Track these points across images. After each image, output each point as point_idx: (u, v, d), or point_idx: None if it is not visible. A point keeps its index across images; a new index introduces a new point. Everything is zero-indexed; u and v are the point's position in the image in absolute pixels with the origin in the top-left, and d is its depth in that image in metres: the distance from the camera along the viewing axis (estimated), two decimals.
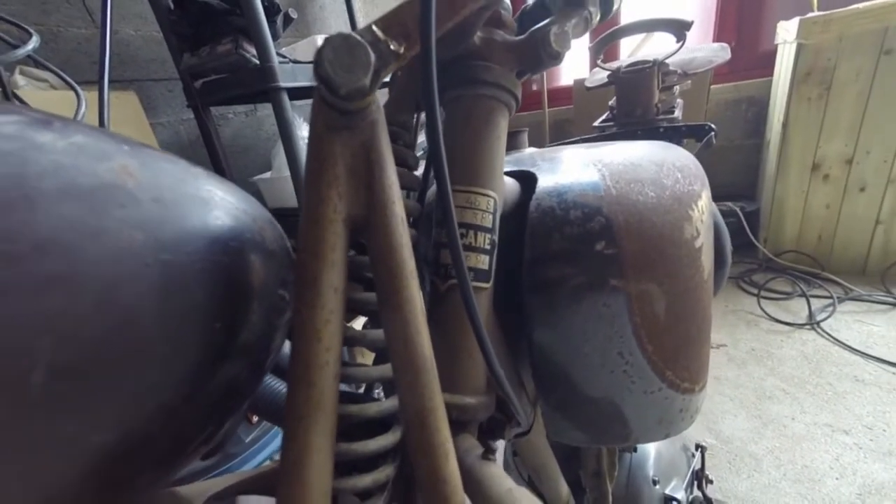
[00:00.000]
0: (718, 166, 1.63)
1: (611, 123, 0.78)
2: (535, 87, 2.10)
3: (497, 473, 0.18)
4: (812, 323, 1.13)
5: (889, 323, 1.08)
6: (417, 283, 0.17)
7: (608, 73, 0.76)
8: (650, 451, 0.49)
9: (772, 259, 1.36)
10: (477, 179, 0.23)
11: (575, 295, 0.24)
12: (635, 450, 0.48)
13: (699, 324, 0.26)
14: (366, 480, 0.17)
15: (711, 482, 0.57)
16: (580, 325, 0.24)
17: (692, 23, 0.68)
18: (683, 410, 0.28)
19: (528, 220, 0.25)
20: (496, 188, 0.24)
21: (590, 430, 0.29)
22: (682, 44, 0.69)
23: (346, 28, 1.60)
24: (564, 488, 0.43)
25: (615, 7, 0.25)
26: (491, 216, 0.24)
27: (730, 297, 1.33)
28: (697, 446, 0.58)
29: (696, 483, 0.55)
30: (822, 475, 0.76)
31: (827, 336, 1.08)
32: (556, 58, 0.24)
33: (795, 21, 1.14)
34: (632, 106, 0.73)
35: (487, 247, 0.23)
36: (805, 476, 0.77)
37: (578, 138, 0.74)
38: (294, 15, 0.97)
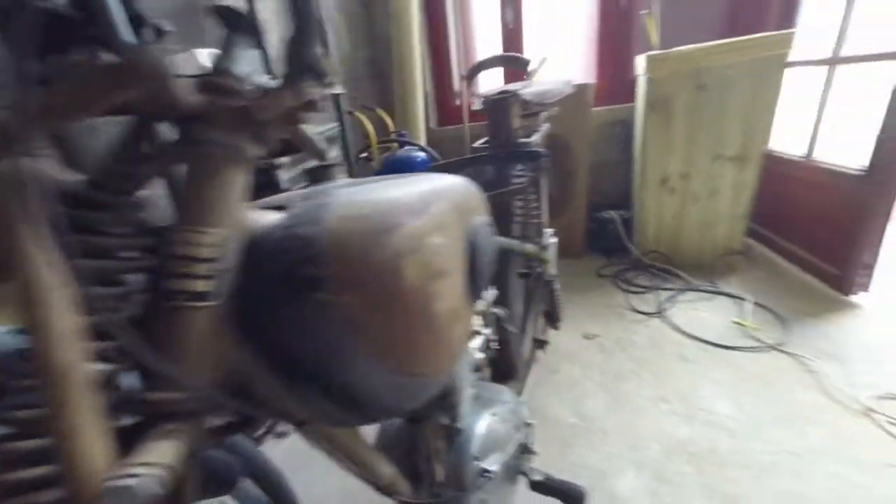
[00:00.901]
0: (604, 179, 1.87)
1: (487, 145, 0.88)
2: (458, 102, 2.21)
3: (159, 447, 0.22)
4: (660, 312, 1.35)
5: (712, 309, 1.35)
6: (62, 302, 0.20)
7: (482, 100, 0.85)
8: (475, 432, 0.57)
9: (639, 259, 1.61)
10: (198, 220, 0.27)
11: (298, 307, 0.29)
12: (460, 432, 0.55)
13: (413, 323, 0.32)
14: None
15: (535, 454, 0.67)
16: (309, 331, 0.29)
17: (529, 61, 0.79)
18: (419, 391, 0.35)
19: (265, 246, 0.30)
20: (226, 225, 0.28)
21: (354, 413, 0.34)
22: (527, 78, 0.79)
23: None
24: (387, 470, 0.47)
25: (332, 84, 0.31)
26: (215, 249, 0.27)
27: (608, 294, 1.53)
28: (527, 424, 0.67)
29: (522, 455, 0.65)
30: (647, 440, 0.93)
31: (669, 322, 1.31)
32: (263, 125, 0.29)
33: (644, 57, 1.36)
34: (498, 130, 0.82)
35: (206, 273, 0.27)
36: (638, 443, 0.93)
37: (444, 161, 0.82)
38: (168, 28, 0.91)
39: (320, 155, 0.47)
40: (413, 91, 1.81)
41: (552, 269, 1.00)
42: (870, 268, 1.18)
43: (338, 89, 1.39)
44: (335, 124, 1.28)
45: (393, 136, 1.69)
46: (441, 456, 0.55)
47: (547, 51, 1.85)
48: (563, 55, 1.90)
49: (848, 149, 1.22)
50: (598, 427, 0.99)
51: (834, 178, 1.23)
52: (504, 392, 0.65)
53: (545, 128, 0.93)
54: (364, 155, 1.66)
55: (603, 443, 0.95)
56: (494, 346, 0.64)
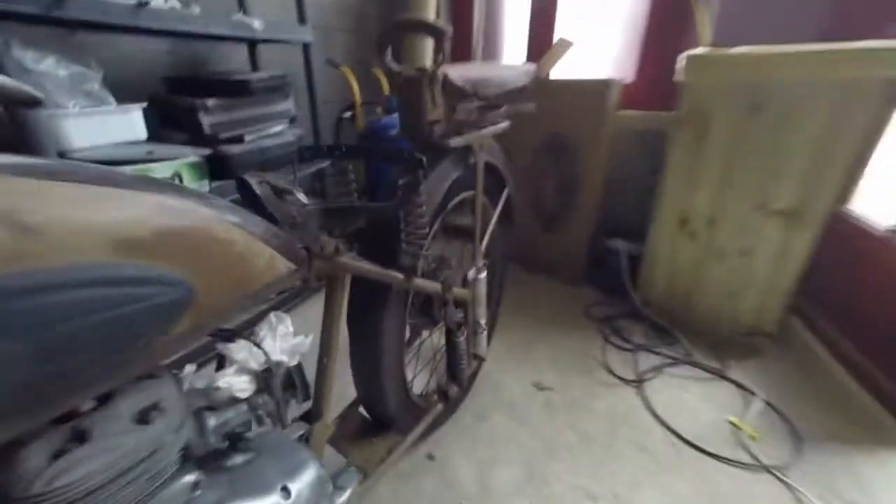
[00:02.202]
0: (622, 199, 1.56)
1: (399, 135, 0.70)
2: None
3: None
4: (637, 381, 1.09)
5: (702, 393, 1.05)
6: None
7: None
8: None
9: (638, 308, 1.31)
10: None
11: None
12: None
13: None
14: None
15: None
16: None
17: (445, 31, 0.58)
18: None
19: None
20: None
21: None
22: (442, 55, 0.58)
23: None
24: None
25: None
26: None
27: (587, 341, 1.28)
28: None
29: None
30: None
31: (644, 397, 1.04)
32: None
33: (684, 56, 1.03)
34: (407, 119, 0.62)
35: None
36: None
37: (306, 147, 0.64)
38: None
39: (24, 99, 0.34)
40: (420, 55, 1.64)
41: (478, 312, 0.83)
42: None
43: (306, 37, 1.21)
44: (281, 73, 1.13)
45: (380, 100, 1.55)
46: None
47: (580, 34, 1.55)
48: (599, 42, 1.57)
49: None
50: None
51: None
52: (303, 468, 0.43)
53: (496, 128, 0.72)
54: (349, 115, 1.55)
55: None
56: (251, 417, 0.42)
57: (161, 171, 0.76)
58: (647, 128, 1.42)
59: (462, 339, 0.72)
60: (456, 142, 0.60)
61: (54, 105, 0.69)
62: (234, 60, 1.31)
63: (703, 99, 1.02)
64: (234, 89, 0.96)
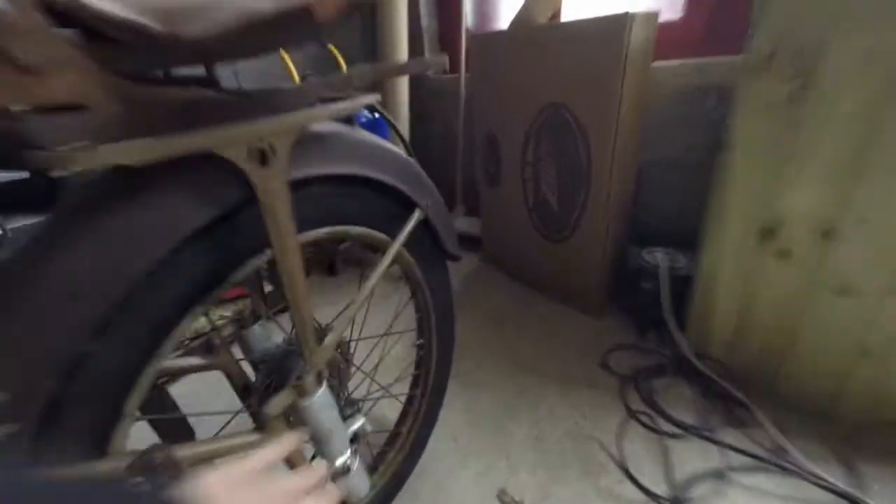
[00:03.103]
0: (666, 190, 1.07)
1: None
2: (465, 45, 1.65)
3: None
4: (675, 499, 0.67)
5: None
6: None
7: None
8: None
9: (685, 359, 0.86)
10: None
11: None
12: None
13: None
14: None
15: None
16: None
17: None
18: None
19: None
20: None
21: None
22: None
23: None
24: None
25: None
26: None
27: (599, 412, 0.83)
28: None
29: None
30: None
31: None
32: None
33: None
34: None
35: None
36: None
37: None
38: None
39: None
40: (393, 19, 1.32)
41: (329, 454, 0.44)
42: None
43: None
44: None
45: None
46: None
47: None
48: None
49: None
50: None
51: None
52: None
53: (314, 113, 0.34)
54: None
55: None
56: None
57: None
58: (701, 83, 0.92)
59: None
60: (78, 162, 0.22)
61: None
62: None
63: (801, 24, 0.54)
64: None
